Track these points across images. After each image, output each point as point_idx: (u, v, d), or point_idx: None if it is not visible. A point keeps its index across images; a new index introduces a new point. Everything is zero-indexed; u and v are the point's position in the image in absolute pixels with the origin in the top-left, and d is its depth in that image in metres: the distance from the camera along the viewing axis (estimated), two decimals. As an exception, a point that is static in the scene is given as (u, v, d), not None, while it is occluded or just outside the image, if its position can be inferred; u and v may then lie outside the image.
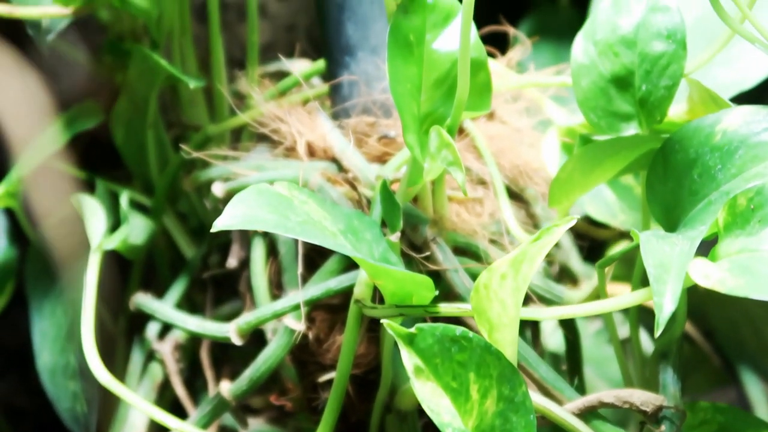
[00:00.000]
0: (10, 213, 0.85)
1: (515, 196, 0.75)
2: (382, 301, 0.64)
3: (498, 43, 0.81)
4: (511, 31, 0.79)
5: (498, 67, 0.77)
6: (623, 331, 0.77)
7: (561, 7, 1.06)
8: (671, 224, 0.62)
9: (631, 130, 0.66)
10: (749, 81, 0.75)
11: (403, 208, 0.66)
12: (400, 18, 0.65)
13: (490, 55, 0.78)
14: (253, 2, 0.81)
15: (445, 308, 0.62)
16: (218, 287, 0.82)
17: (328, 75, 0.76)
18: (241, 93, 0.81)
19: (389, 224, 0.66)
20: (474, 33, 0.65)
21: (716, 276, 0.52)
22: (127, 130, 0.83)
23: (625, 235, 0.73)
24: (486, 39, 0.78)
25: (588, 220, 0.75)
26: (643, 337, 0.76)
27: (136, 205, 0.84)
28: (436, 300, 0.62)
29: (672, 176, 0.61)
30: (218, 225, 0.56)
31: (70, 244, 0.80)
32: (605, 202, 0.72)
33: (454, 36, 0.65)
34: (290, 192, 0.61)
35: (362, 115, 0.74)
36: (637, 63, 0.65)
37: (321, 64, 0.79)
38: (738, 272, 0.52)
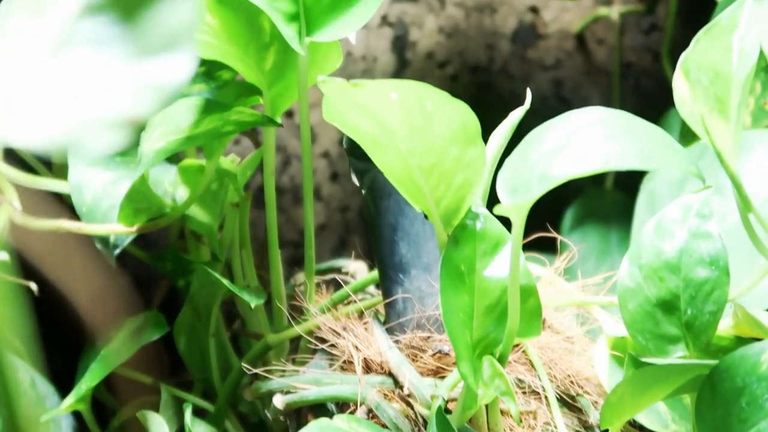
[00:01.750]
0: (77, 414, 0.88)
1: (568, 404, 0.76)
2: None
3: (545, 244, 0.83)
4: (558, 238, 0.82)
5: (547, 274, 0.80)
6: None
7: (606, 190, 1.09)
8: (722, 451, 0.63)
9: (678, 352, 0.67)
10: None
11: (458, 429, 0.68)
12: (452, 249, 0.67)
13: (538, 261, 0.80)
14: (309, 189, 0.81)
15: None
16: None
17: (383, 289, 0.79)
18: (299, 296, 0.84)
19: (446, 449, 0.68)
20: (522, 260, 0.68)
21: None
22: (190, 338, 0.86)
23: (677, 444, 0.74)
24: (533, 242, 0.81)
25: (640, 428, 0.77)
26: None
27: (197, 410, 0.86)
28: None
29: (721, 404, 0.63)
30: (282, 466, 0.59)
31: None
32: (657, 412, 0.73)
33: (504, 263, 0.67)
34: (349, 425, 0.63)
35: (416, 330, 0.77)
36: (681, 288, 0.67)
37: (375, 273, 0.82)
38: None
